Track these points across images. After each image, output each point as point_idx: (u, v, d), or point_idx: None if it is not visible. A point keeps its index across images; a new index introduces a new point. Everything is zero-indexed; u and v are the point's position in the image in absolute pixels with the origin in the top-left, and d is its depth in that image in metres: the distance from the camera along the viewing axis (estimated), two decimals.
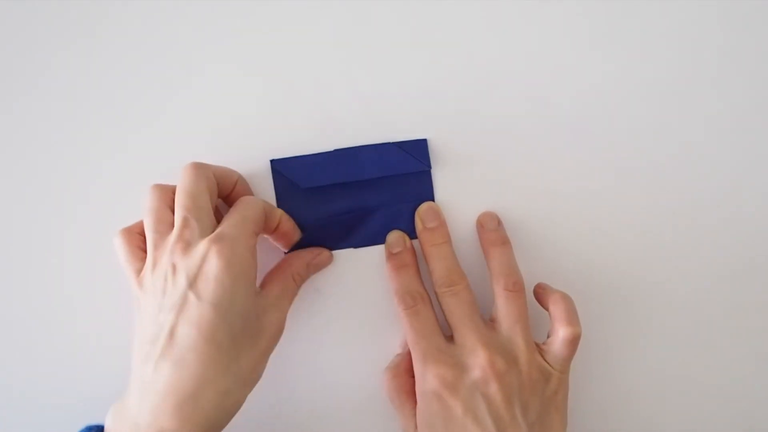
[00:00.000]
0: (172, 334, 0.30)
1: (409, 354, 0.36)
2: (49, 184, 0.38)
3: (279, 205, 0.38)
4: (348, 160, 0.38)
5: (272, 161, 0.38)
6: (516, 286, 0.36)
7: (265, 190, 0.38)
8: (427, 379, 0.34)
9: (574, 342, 0.35)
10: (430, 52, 0.38)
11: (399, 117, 0.38)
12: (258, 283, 0.35)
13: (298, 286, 0.36)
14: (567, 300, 0.36)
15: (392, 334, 0.39)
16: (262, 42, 0.38)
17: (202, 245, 0.31)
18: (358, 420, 0.39)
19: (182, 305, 0.30)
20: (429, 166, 0.38)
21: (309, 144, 0.38)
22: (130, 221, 0.37)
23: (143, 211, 0.34)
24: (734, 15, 0.39)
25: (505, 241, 0.38)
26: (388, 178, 0.38)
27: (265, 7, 0.38)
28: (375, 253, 0.39)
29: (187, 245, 0.31)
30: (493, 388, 0.33)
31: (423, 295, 0.37)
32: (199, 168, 0.34)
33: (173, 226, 0.33)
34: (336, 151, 0.38)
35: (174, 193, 0.34)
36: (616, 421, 0.40)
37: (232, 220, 0.33)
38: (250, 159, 0.38)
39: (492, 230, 0.38)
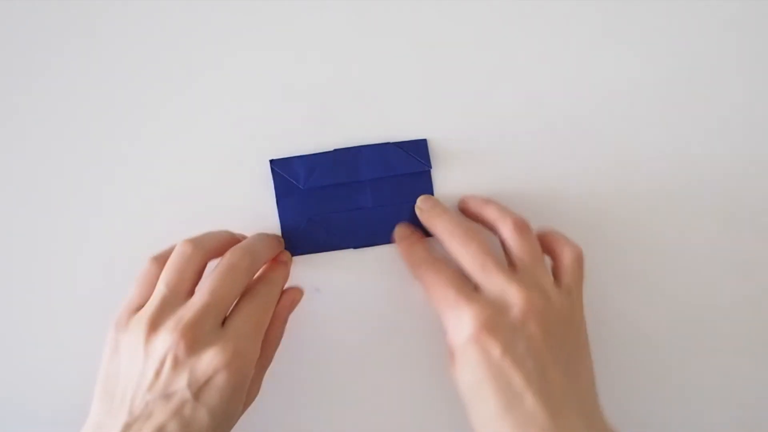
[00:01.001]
0: (161, 428, 0.30)
1: None
2: (46, 186, 0.39)
3: (279, 206, 0.38)
4: (348, 160, 0.38)
5: (272, 161, 0.38)
6: (521, 223, 0.35)
7: (265, 190, 0.38)
8: (462, 324, 0.32)
9: (580, 260, 0.35)
10: (430, 52, 0.39)
11: (399, 117, 0.38)
12: None
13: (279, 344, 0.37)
14: (553, 230, 0.36)
15: (393, 334, 0.39)
16: (261, 42, 0.38)
17: (214, 357, 0.30)
18: (359, 420, 0.39)
19: (178, 404, 0.30)
20: (429, 166, 0.38)
21: (309, 144, 0.38)
22: (124, 223, 0.37)
23: (172, 257, 0.33)
24: (736, 14, 0.40)
25: (491, 200, 0.37)
26: (388, 178, 0.38)
27: (265, 7, 0.38)
28: (375, 253, 0.39)
29: (194, 343, 0.31)
30: (533, 326, 0.31)
31: (439, 258, 0.35)
32: (250, 264, 0.33)
33: (190, 294, 0.32)
34: (336, 151, 0.38)
35: (206, 255, 0.34)
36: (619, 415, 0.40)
37: (249, 327, 0.33)
38: (250, 159, 0.38)
39: (474, 198, 0.37)
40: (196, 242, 0.33)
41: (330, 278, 0.39)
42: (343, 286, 0.39)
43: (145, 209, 0.38)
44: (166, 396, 0.30)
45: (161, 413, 0.30)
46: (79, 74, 0.38)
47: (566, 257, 0.34)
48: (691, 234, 0.40)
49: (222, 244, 0.35)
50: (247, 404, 0.34)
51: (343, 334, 0.39)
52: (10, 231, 0.39)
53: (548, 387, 0.30)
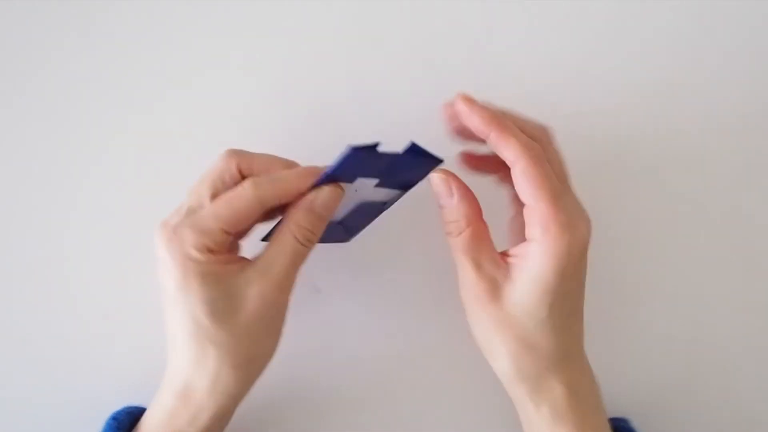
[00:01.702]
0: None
1: None
2: (47, 179, 0.40)
3: None
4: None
5: None
6: (538, 151, 0.31)
7: None
8: (558, 246, 0.30)
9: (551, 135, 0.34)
10: (425, 55, 0.38)
11: (396, 120, 0.38)
12: None
13: (304, 244, 0.33)
14: (512, 120, 0.32)
15: (394, 333, 0.40)
16: (254, 52, 0.39)
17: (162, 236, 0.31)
18: (359, 419, 0.40)
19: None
20: (441, 159, 0.34)
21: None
22: (120, 219, 0.39)
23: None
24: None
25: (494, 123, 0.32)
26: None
27: (263, 11, 0.38)
28: (377, 254, 0.39)
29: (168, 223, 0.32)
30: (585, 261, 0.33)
31: (472, 217, 0.33)
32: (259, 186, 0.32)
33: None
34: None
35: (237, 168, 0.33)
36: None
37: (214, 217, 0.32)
38: None
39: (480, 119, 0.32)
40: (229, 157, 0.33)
41: (330, 278, 0.39)
42: (344, 286, 0.39)
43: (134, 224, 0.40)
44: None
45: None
46: (76, 72, 0.39)
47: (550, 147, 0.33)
48: (693, 228, 0.40)
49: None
50: (253, 309, 0.32)
51: (343, 334, 0.40)
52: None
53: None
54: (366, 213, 0.37)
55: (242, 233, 0.35)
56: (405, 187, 0.35)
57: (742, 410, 0.40)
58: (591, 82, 0.38)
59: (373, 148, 0.31)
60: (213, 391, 0.32)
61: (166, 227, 0.31)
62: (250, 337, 0.32)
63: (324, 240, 0.36)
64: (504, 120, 0.32)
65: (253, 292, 0.31)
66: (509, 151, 0.31)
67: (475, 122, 0.31)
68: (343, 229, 0.37)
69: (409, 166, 0.33)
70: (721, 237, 0.40)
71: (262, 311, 0.32)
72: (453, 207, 0.33)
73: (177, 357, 0.32)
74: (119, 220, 0.40)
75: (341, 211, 0.36)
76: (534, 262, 0.31)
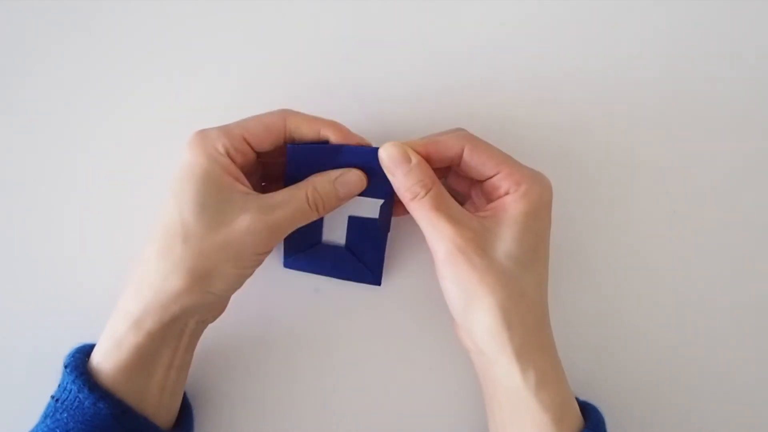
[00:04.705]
0: None
1: None
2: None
3: None
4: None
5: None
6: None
7: None
8: (542, 187, 0.33)
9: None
10: (427, 53, 0.39)
11: (398, 118, 0.39)
12: None
13: (310, 205, 0.34)
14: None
15: (394, 332, 0.40)
16: (258, 44, 0.39)
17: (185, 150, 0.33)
18: (359, 419, 0.40)
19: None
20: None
21: None
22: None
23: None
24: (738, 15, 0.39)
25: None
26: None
27: (265, 10, 0.38)
28: None
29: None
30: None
31: (434, 178, 0.34)
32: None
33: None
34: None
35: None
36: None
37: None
38: None
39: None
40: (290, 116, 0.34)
41: (329, 278, 0.39)
42: (343, 286, 0.39)
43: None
44: None
45: None
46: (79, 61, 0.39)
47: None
48: (692, 228, 0.40)
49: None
50: (238, 234, 0.32)
51: (342, 334, 0.40)
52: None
53: None
54: (368, 237, 0.37)
55: (263, 153, 0.35)
56: (376, 194, 0.36)
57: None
58: (590, 82, 0.39)
59: (310, 143, 0.34)
60: (161, 290, 0.31)
61: (199, 130, 0.33)
62: (216, 255, 0.32)
63: (353, 277, 0.38)
64: (425, 139, 0.34)
65: (245, 218, 0.32)
66: (449, 148, 0.34)
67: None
68: (357, 262, 0.38)
69: (356, 163, 0.34)
70: (713, 236, 0.40)
71: (241, 239, 0.32)
72: (414, 169, 0.33)
73: (146, 249, 0.32)
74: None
75: (338, 231, 0.37)
76: (512, 208, 0.33)
